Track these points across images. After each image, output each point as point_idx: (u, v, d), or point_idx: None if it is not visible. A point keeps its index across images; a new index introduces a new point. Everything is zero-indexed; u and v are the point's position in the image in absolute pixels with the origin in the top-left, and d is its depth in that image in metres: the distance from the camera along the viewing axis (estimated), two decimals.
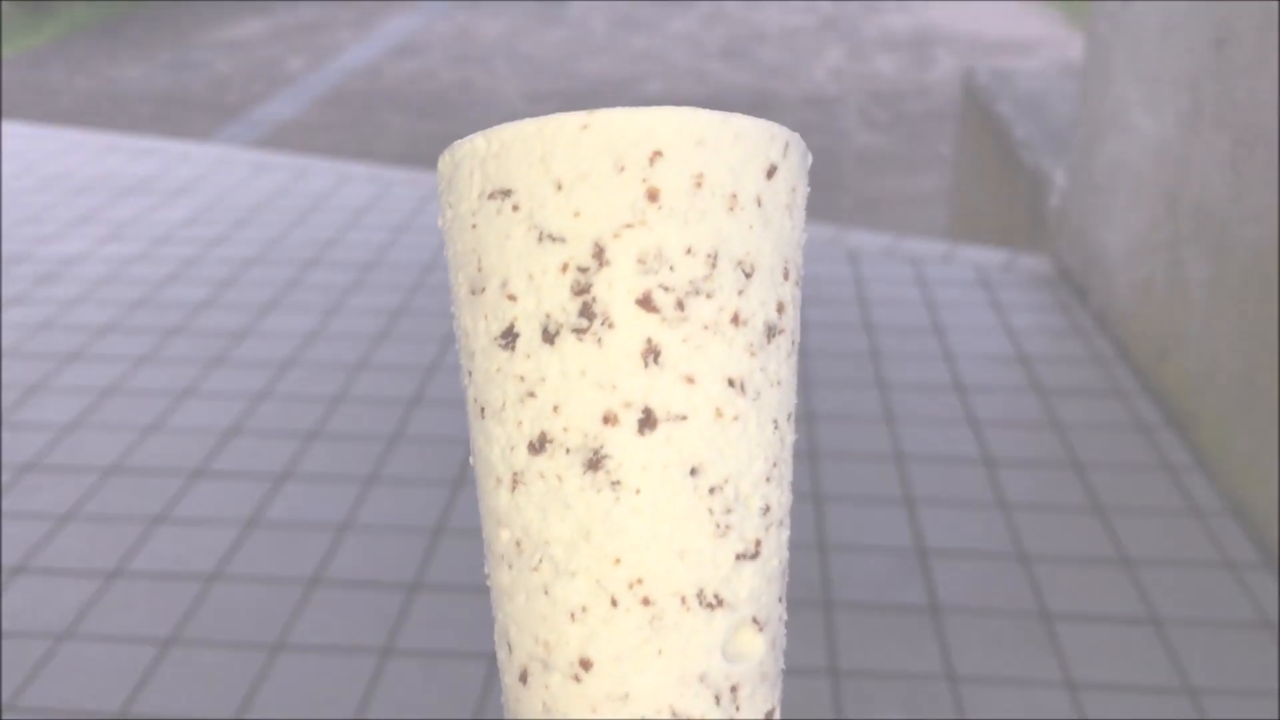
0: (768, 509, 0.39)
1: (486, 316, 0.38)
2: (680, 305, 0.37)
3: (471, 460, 0.41)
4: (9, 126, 4.85)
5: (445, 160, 0.40)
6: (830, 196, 6.13)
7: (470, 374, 0.40)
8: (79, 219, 3.77)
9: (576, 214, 0.36)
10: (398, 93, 8.16)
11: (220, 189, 4.04)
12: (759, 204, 0.38)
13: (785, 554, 0.41)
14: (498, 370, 0.38)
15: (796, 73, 8.93)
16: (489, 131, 0.38)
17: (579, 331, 0.37)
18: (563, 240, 0.36)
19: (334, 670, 1.83)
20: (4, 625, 1.93)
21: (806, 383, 2.69)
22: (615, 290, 0.36)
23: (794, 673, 1.82)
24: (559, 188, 0.36)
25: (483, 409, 0.39)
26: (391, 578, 2.04)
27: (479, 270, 0.38)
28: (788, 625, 1.78)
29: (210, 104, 8.08)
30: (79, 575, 2.06)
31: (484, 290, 0.38)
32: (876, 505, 2.23)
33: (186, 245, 3.54)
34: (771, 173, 0.39)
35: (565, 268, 0.37)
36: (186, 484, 2.32)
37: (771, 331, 0.39)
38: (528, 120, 0.37)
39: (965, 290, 3.18)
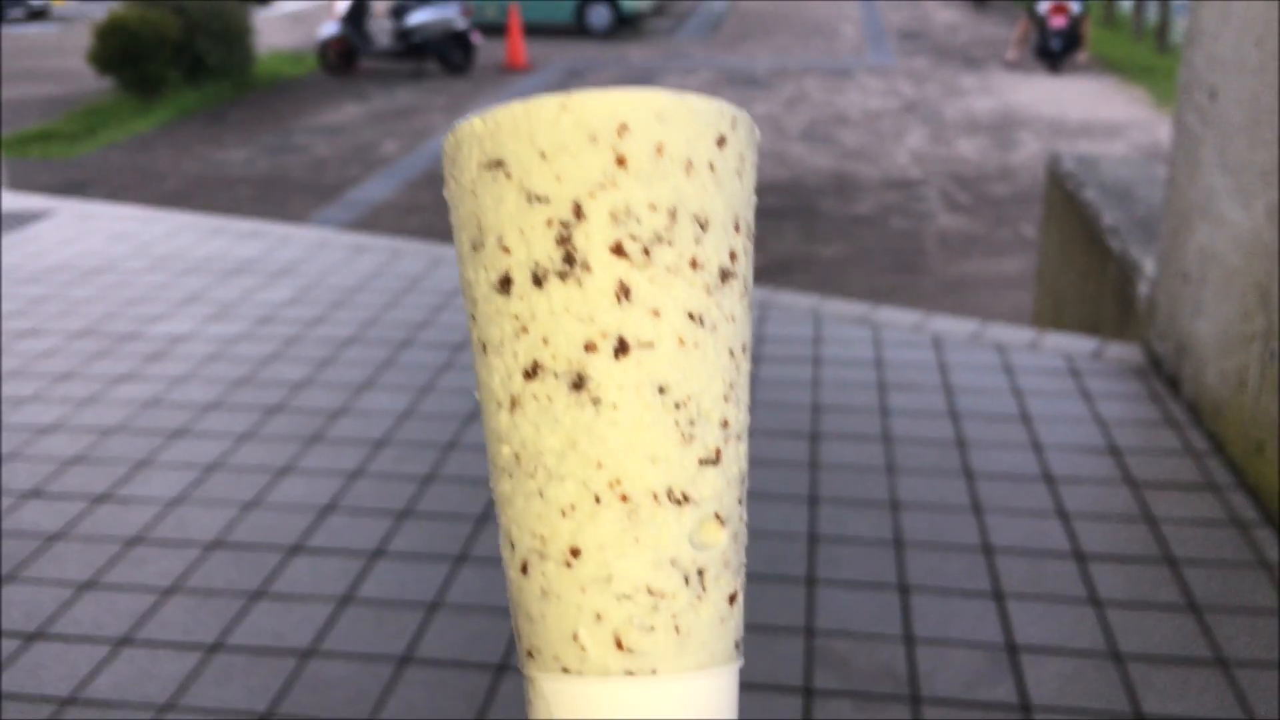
0: (726, 423, 0.46)
1: (485, 267, 0.45)
2: (646, 252, 0.43)
3: (477, 394, 0.48)
4: (122, 209, 5.09)
5: (449, 140, 0.47)
6: (912, 279, 6.13)
7: (474, 318, 0.46)
8: (187, 299, 3.94)
9: (558, 178, 0.43)
10: None
11: (320, 270, 4.20)
12: (711, 168, 0.45)
13: (744, 464, 0.48)
14: (496, 312, 0.45)
15: (878, 155, 8.99)
16: (484, 113, 0.45)
17: (562, 275, 0.43)
18: (547, 200, 0.43)
19: None
20: (108, 695, 2.00)
21: (891, 469, 2.69)
22: (592, 240, 0.43)
23: None
24: (543, 157, 0.43)
25: (484, 345, 0.46)
26: (480, 657, 2.07)
27: (479, 229, 0.45)
28: (876, 717, 1.77)
29: (309, 186, 8.39)
30: (180, 648, 2.13)
31: (483, 246, 0.45)
32: (964, 598, 2.22)
33: (288, 325, 3.68)
34: (722, 142, 0.45)
35: (550, 223, 0.43)
36: (284, 559, 2.39)
37: (725, 275, 0.45)
38: (516, 102, 0.44)
39: (1053, 379, 3.16)
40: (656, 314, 0.44)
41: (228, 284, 4.08)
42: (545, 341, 0.44)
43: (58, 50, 15.96)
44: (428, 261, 4.29)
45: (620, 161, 0.43)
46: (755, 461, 2.69)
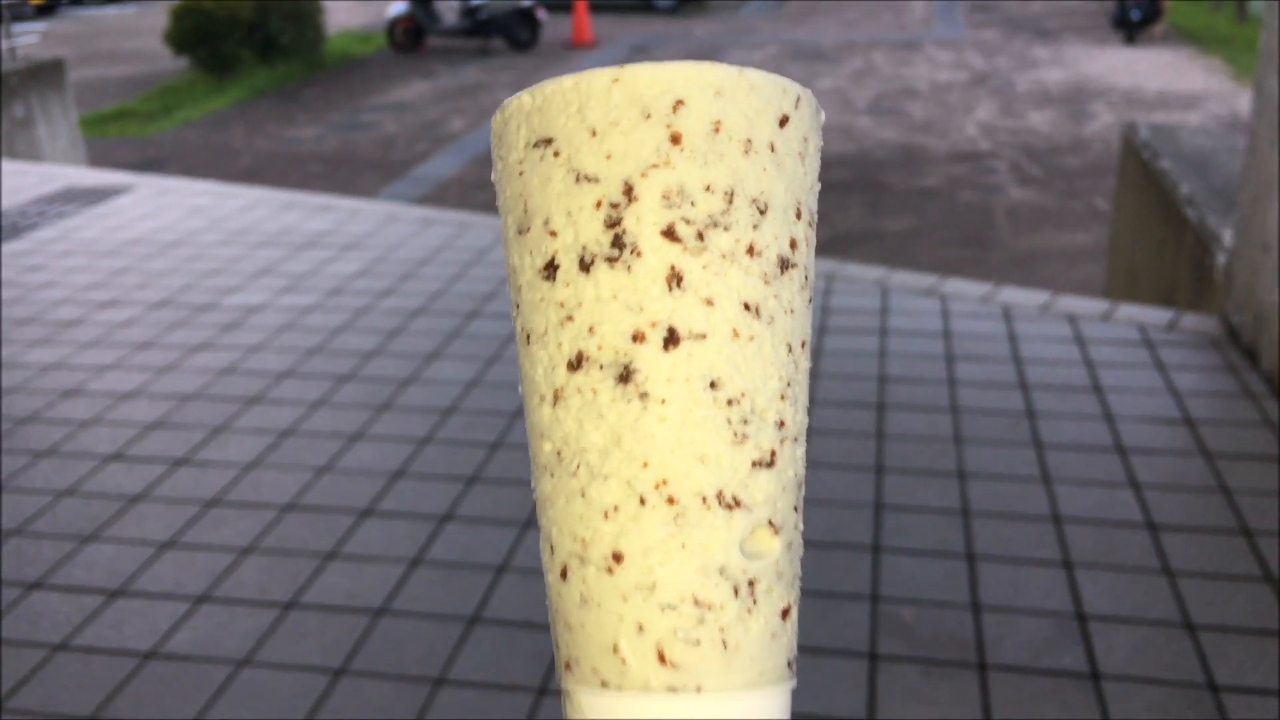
0: (782, 423, 0.43)
1: (531, 252, 0.42)
2: (700, 236, 0.41)
3: (520, 388, 0.45)
4: (198, 185, 5.20)
5: (497, 118, 0.44)
6: (980, 253, 6.04)
7: (518, 306, 0.44)
8: (260, 271, 4.02)
9: (609, 157, 0.41)
10: None
11: (389, 244, 4.26)
12: (772, 149, 0.42)
13: (801, 469, 0.44)
14: (540, 299, 0.42)
15: (946, 128, 8.85)
16: (533, 88, 0.43)
17: (611, 260, 0.41)
18: (597, 180, 0.41)
19: (492, 706, 1.90)
20: (187, 650, 2.06)
21: (959, 439, 2.67)
22: (643, 223, 0.41)
23: None
24: (593, 134, 0.41)
25: (528, 335, 0.43)
26: (546, 619, 2.10)
27: (525, 212, 0.43)
28: (940, 686, 1.76)
29: (377, 162, 8.49)
30: (256, 605, 2.18)
31: (529, 229, 0.43)
32: (1033, 567, 2.20)
33: (357, 297, 3.74)
34: (784, 122, 0.43)
35: (599, 204, 0.41)
36: (356, 522, 2.44)
37: (784, 264, 0.43)
38: (566, 76, 0.42)
39: (1126, 350, 3.10)
40: (710, 303, 0.41)
41: (299, 257, 4.15)
42: (591, 331, 0.41)
43: (135, 31, 16.30)
44: (494, 235, 4.33)
45: (675, 139, 0.41)
46: (820, 431, 2.69)
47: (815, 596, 2.13)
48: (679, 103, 0.41)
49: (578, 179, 0.41)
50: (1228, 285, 3.23)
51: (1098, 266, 5.62)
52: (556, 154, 0.42)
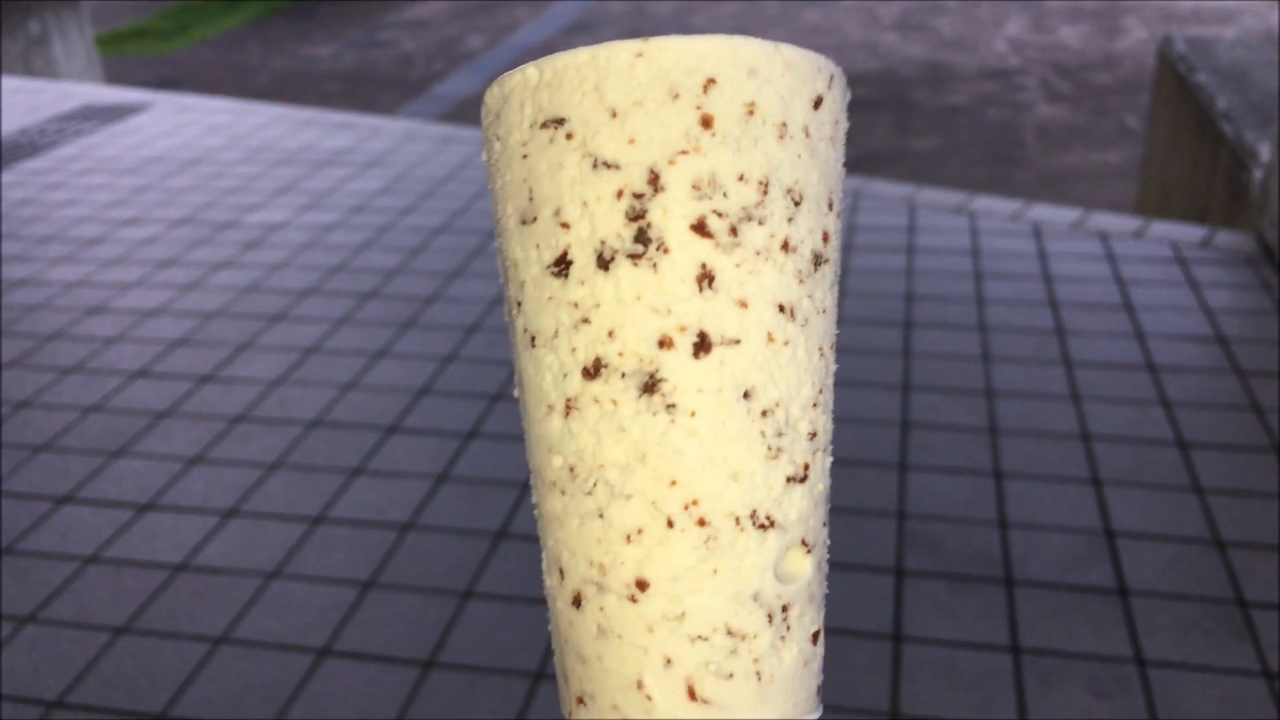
0: (814, 434, 0.40)
1: (538, 245, 0.39)
2: (734, 231, 0.37)
3: (516, 392, 0.42)
4: (216, 102, 5.15)
5: (493, 93, 0.40)
6: (1009, 171, 5.94)
7: (519, 304, 0.40)
8: (281, 189, 3.99)
9: (631, 141, 0.37)
10: None
11: (409, 161, 4.21)
12: (807, 134, 0.39)
13: (829, 480, 0.42)
14: (549, 299, 0.38)
15: (975, 44, 8.66)
16: (540, 61, 0.38)
17: (634, 257, 0.37)
18: (617, 167, 0.37)
19: (519, 618, 1.91)
20: (217, 563, 2.08)
21: (988, 359, 2.64)
22: (670, 216, 0.37)
23: (974, 648, 1.81)
24: (613, 115, 0.37)
25: (533, 338, 0.39)
26: None
27: (530, 200, 0.39)
28: (967, 602, 1.77)
29: (395, 81, 8.39)
30: (285, 520, 2.20)
31: (535, 220, 0.38)
32: (1061, 484, 2.18)
33: (379, 214, 3.71)
34: (818, 104, 0.39)
35: (620, 194, 0.37)
36: (382, 439, 2.45)
37: (818, 260, 0.40)
38: (580, 49, 0.37)
39: (1158, 267, 3.05)
40: (743, 305, 0.37)
41: (320, 175, 4.12)
42: (611, 335, 0.37)
43: None
44: None
45: (705, 123, 0.37)
46: (847, 350, 2.67)
47: (842, 513, 2.13)
48: (710, 81, 0.37)
49: (595, 165, 0.37)
50: (1263, 201, 3.16)
51: (1129, 185, 5.53)
52: (570, 136, 0.37)
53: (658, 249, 0.37)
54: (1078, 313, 2.83)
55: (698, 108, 0.37)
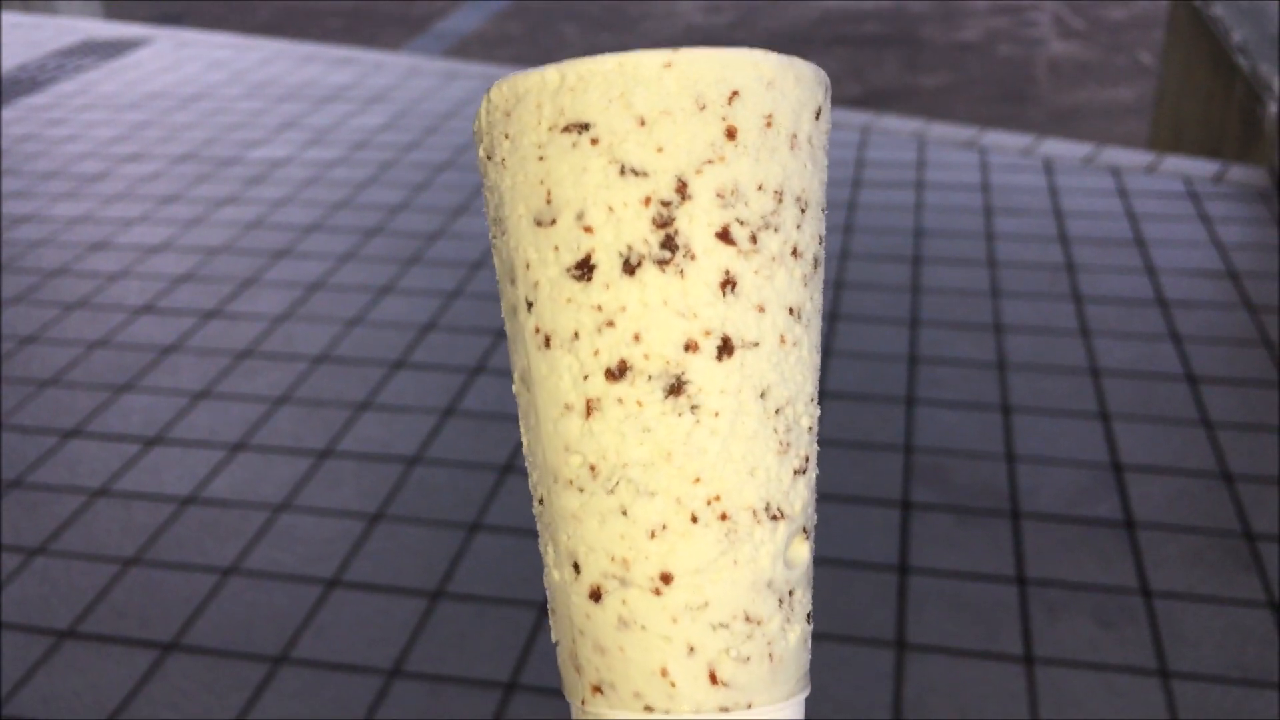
0: (811, 427, 0.42)
1: (558, 247, 0.39)
2: (754, 239, 0.38)
3: (516, 388, 0.42)
4: (217, 38, 5.09)
5: (503, 93, 0.40)
6: (1020, 109, 5.87)
7: (529, 304, 0.40)
8: (283, 124, 3.95)
9: (659, 149, 0.37)
10: (575, 6, 8.16)
11: (413, 97, 4.17)
12: (810, 144, 0.40)
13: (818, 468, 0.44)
14: (569, 301, 0.39)
15: None
16: (561, 66, 0.38)
17: (662, 263, 0.38)
18: (645, 174, 0.37)
19: (526, 550, 1.92)
20: (225, 496, 2.09)
21: (997, 294, 2.62)
22: (696, 223, 0.38)
23: (981, 579, 1.81)
24: (642, 123, 0.37)
25: (548, 338, 0.40)
26: None
27: (548, 202, 0.39)
28: (974, 534, 1.77)
29: (397, 18, 8.28)
30: (292, 454, 2.20)
31: (554, 222, 0.39)
32: (1069, 419, 2.18)
33: (382, 150, 3.68)
34: (819, 114, 0.41)
35: (648, 201, 0.38)
36: (388, 374, 2.44)
37: (816, 263, 0.41)
38: (605, 56, 0.38)
39: (1171, 202, 3.02)
40: (761, 310, 0.39)
41: (322, 110, 4.07)
42: (637, 339, 0.38)
43: None
44: None
45: (730, 134, 0.38)
46: (856, 285, 2.65)
47: (849, 447, 2.13)
48: (734, 94, 0.38)
49: (623, 171, 0.38)
50: (1277, 135, 3.12)
51: (1141, 122, 5.46)
52: (595, 141, 0.38)
53: (685, 255, 0.38)
54: (1088, 248, 2.81)
55: (723, 119, 0.38)
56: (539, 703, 1.64)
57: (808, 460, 0.42)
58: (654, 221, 0.38)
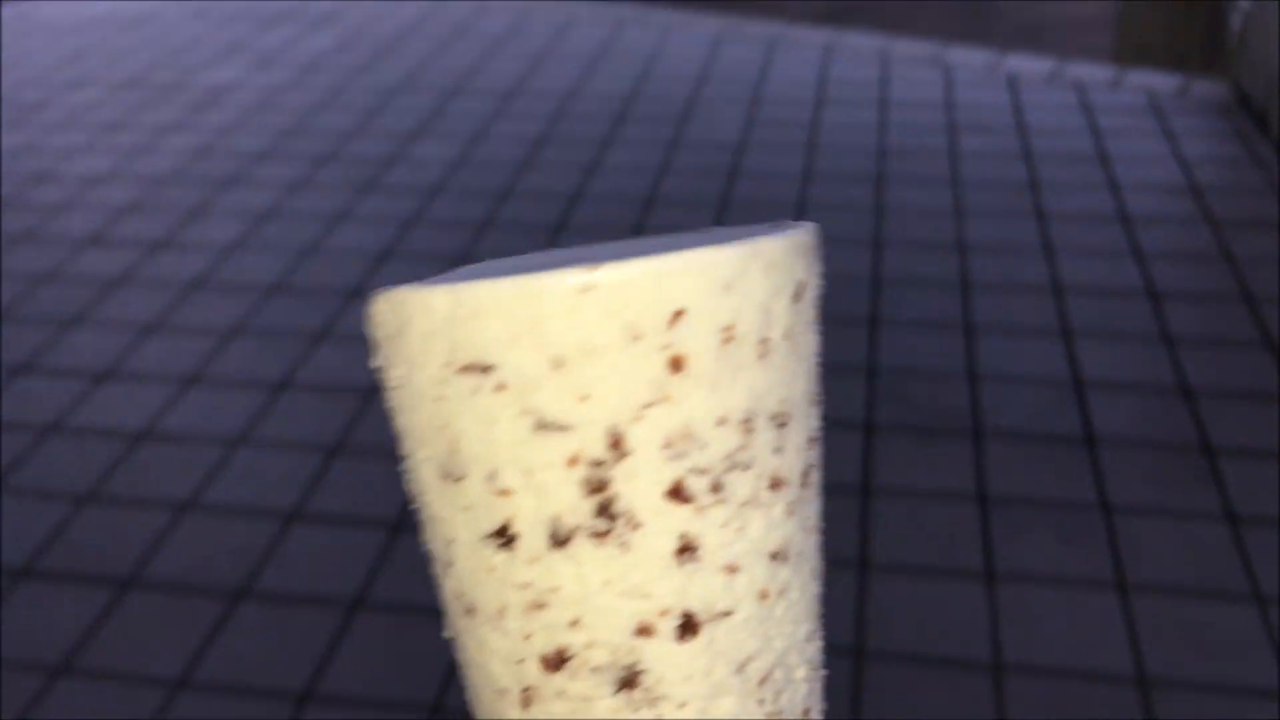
0: (812, 665, 0.35)
1: (469, 509, 0.32)
2: (716, 487, 0.31)
3: (446, 633, 0.36)
4: None
5: (387, 312, 0.32)
6: (983, 24, 5.80)
7: (450, 565, 0.33)
8: (229, 48, 3.83)
9: (584, 398, 0.30)
10: None
11: (362, 18, 4.05)
12: (789, 338, 0.32)
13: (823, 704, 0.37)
14: (490, 571, 0.32)
15: None
16: (451, 288, 0.30)
17: (598, 535, 0.31)
18: (568, 429, 0.30)
19: None
20: (181, 430, 2.05)
21: (960, 213, 2.60)
22: (639, 484, 0.30)
23: (942, 496, 1.81)
24: (557, 366, 0.30)
25: (470, 608, 0.33)
26: None
27: (453, 454, 0.32)
28: (936, 454, 1.76)
29: None
30: (248, 386, 2.16)
31: (463, 479, 0.32)
32: (1032, 337, 2.17)
33: (332, 74, 3.57)
34: (799, 294, 0.33)
35: (574, 461, 0.30)
36: (344, 304, 2.40)
37: (807, 474, 0.34)
38: (503, 278, 0.30)
39: (1134, 118, 3.00)
40: (733, 570, 0.32)
41: (269, 33, 3.95)
42: (575, 624, 0.31)
43: None
44: (473, 9, 4.11)
45: (676, 365, 0.30)
46: (819, 206, 2.62)
47: None
48: (678, 314, 0.30)
49: (538, 426, 0.30)
50: (1241, 49, 3.09)
51: (1106, 35, 5.41)
52: (501, 387, 0.30)
53: (627, 524, 0.31)
54: (1052, 165, 2.78)
55: (665, 347, 0.30)
56: None
57: (807, 712, 0.35)
58: (584, 486, 0.31)
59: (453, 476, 0.32)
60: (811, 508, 0.34)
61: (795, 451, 0.33)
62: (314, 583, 1.72)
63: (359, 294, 2.42)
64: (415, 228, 2.67)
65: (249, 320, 2.36)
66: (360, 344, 2.26)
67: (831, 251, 2.48)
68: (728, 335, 0.31)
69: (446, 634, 0.37)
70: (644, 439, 0.30)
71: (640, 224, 2.61)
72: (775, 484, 0.32)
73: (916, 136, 2.97)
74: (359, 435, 2.02)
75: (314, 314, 2.36)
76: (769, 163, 2.86)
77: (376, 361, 0.34)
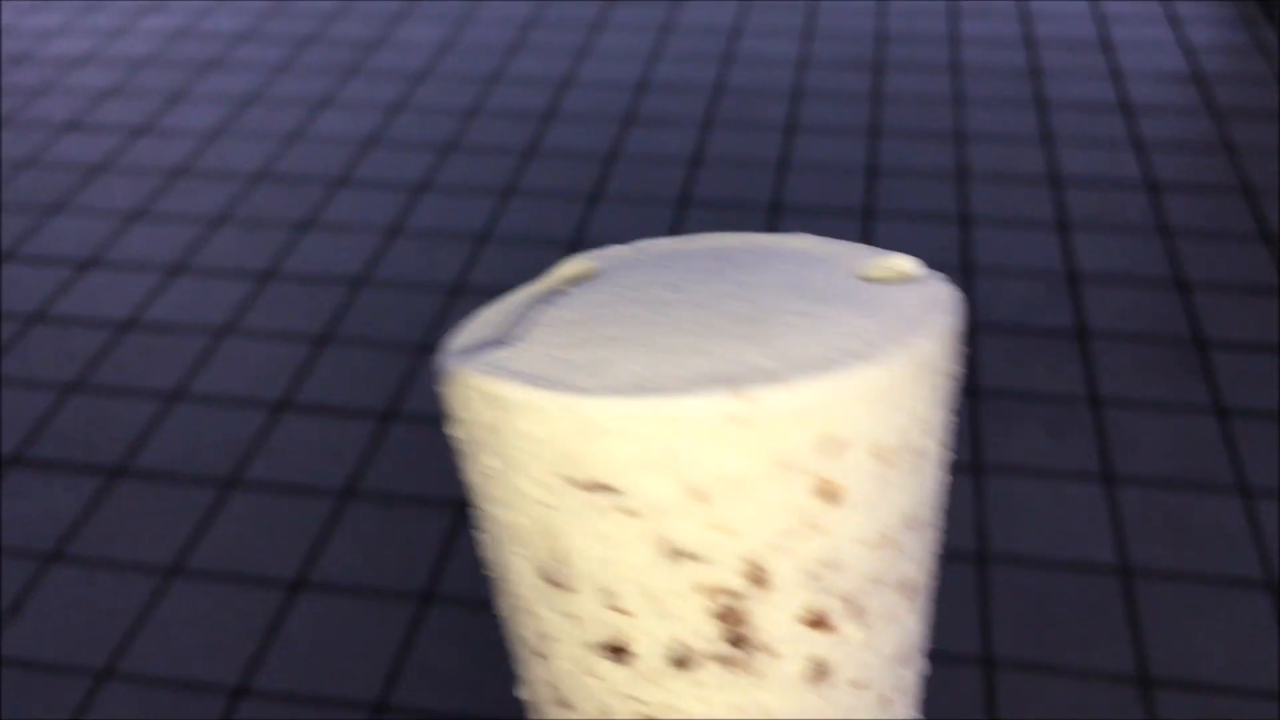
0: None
1: (575, 616, 0.30)
2: (854, 609, 0.29)
3: (524, 694, 0.34)
4: None
5: (478, 402, 0.29)
6: None
7: (541, 655, 0.31)
8: None
9: (723, 529, 0.28)
10: None
11: None
12: (935, 435, 0.30)
13: None
14: (595, 679, 0.30)
15: None
16: (569, 399, 0.27)
17: (725, 660, 0.29)
18: (703, 560, 0.28)
19: None
20: (166, 319, 2.03)
21: (959, 101, 2.55)
22: (775, 614, 0.29)
23: None
24: (696, 496, 0.27)
25: (564, 702, 0.31)
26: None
27: (559, 562, 0.29)
28: None
29: None
30: (234, 275, 2.13)
31: (570, 588, 0.29)
32: (1028, 229, 2.15)
33: None
34: (950, 387, 0.31)
35: (706, 591, 0.28)
36: (330, 192, 2.35)
37: (929, 573, 0.32)
38: (632, 393, 0.27)
39: (1139, 3, 2.92)
40: (861, 686, 0.30)
41: None
42: None
43: None
44: None
45: (827, 493, 0.28)
46: (815, 94, 2.56)
47: None
48: (834, 442, 0.27)
49: (669, 554, 0.28)
50: None
51: None
52: (628, 513, 0.28)
53: (758, 651, 0.29)
54: (1055, 52, 2.72)
55: (816, 475, 0.28)
56: None
57: None
58: (715, 614, 0.29)
59: (557, 583, 0.30)
60: (928, 573, 0.33)
61: (926, 549, 0.31)
62: (304, 472, 1.72)
63: (344, 182, 2.38)
64: (401, 113, 2.61)
65: (233, 208, 2.32)
66: (346, 233, 2.23)
67: (827, 143, 2.43)
68: (883, 455, 0.28)
69: (521, 694, 0.34)
70: (785, 570, 0.28)
71: (632, 111, 2.55)
72: (907, 590, 0.31)
73: (916, 21, 2.90)
74: (347, 325, 2.00)
75: (299, 203, 2.32)
76: (764, 48, 2.79)
77: (455, 432, 0.30)
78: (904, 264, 0.33)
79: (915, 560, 0.31)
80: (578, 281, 0.34)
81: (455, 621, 1.50)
